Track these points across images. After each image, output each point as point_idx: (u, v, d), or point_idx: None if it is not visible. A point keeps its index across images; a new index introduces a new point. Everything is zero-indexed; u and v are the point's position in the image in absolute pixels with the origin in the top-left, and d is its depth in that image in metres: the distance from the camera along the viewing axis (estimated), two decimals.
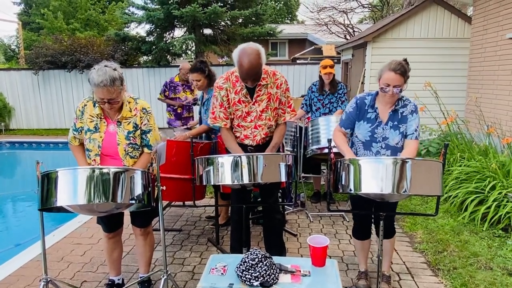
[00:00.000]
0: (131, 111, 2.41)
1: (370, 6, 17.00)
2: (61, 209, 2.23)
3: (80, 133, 2.43)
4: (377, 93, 2.51)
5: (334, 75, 4.40)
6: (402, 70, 2.35)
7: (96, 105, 2.36)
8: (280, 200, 3.93)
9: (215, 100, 2.73)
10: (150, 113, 2.47)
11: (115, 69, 2.24)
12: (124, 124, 2.41)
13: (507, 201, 3.69)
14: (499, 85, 5.63)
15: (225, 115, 2.72)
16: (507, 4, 5.44)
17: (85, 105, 2.40)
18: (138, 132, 2.45)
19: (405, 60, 2.46)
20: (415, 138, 2.47)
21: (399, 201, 4.48)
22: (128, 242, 3.60)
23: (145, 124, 2.45)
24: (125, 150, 2.42)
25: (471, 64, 6.49)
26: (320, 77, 4.40)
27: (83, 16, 16.59)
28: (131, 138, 2.42)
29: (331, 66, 4.32)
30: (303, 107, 4.58)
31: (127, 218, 2.69)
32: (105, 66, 2.22)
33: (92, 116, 2.38)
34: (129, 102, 2.42)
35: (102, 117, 2.39)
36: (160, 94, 5.86)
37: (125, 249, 3.40)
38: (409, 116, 2.47)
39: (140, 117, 2.43)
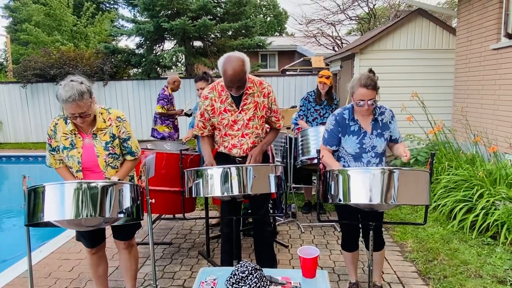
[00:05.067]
0: (105, 122, 2.40)
1: (357, 18, 17.29)
2: (48, 224, 2.20)
3: (58, 152, 2.38)
4: (352, 106, 2.56)
5: (331, 87, 4.47)
6: (373, 84, 2.42)
7: (68, 121, 2.32)
8: (271, 211, 3.92)
9: (198, 109, 2.79)
10: (125, 120, 2.47)
11: (81, 83, 2.21)
12: (101, 136, 2.39)
13: (495, 209, 3.73)
14: (484, 95, 5.74)
15: (204, 124, 2.79)
16: (489, 16, 5.59)
17: (56, 123, 2.35)
18: (117, 141, 2.43)
19: (371, 70, 2.54)
20: (401, 141, 2.65)
21: (389, 211, 4.51)
22: (116, 257, 3.54)
23: (123, 132, 2.45)
24: (105, 161, 2.40)
25: (457, 75, 6.62)
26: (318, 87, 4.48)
27: (67, 28, 16.55)
28: (110, 148, 2.41)
29: (327, 77, 4.41)
30: (303, 118, 4.58)
31: (109, 233, 2.65)
32: (71, 81, 2.20)
33: (66, 134, 2.34)
34: (101, 113, 2.40)
35: (76, 132, 2.36)
36: (162, 107, 5.75)
37: (113, 264, 3.35)
38: (391, 121, 2.59)
39: (117, 126, 2.42)
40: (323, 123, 4.46)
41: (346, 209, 2.54)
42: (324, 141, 2.64)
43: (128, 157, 2.51)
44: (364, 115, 2.54)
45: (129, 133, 2.48)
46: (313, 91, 4.55)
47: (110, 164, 2.42)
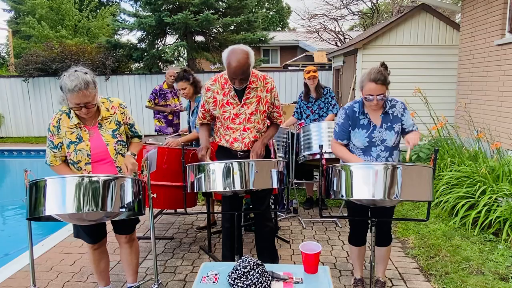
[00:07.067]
0: (108, 110, 2.42)
1: (360, 13, 17.19)
2: (49, 218, 2.19)
3: (60, 149, 2.36)
4: (363, 99, 2.53)
5: (318, 80, 4.43)
6: (382, 78, 2.36)
7: (72, 116, 2.31)
8: (272, 206, 3.92)
9: (201, 100, 2.82)
10: (126, 107, 2.53)
11: (86, 73, 2.21)
12: (106, 124, 2.40)
13: (497, 206, 3.72)
14: (487, 91, 5.71)
15: (203, 115, 2.83)
16: (494, 12, 5.54)
17: (59, 119, 2.32)
18: (122, 128, 2.47)
19: (383, 64, 2.48)
20: (417, 129, 2.57)
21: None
22: (118, 251, 3.54)
23: (129, 117, 2.52)
24: (115, 149, 2.42)
25: (460, 71, 6.58)
26: (305, 84, 4.44)
27: (71, 23, 16.52)
28: (118, 136, 2.44)
29: (314, 71, 4.36)
30: (294, 114, 4.60)
31: (110, 228, 2.65)
32: (75, 71, 2.19)
33: (71, 128, 2.33)
34: (103, 103, 2.41)
35: (82, 125, 2.35)
36: (149, 101, 5.84)
37: (115, 259, 3.36)
38: (402, 113, 2.52)
39: (121, 113, 2.46)
40: (315, 120, 4.43)
41: (356, 204, 2.51)
42: (336, 135, 2.61)
43: (136, 140, 2.61)
44: (374, 109, 2.50)
45: (132, 119, 2.56)
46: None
47: (119, 152, 2.45)
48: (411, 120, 2.55)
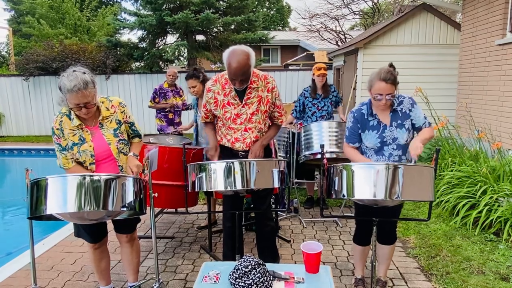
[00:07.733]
0: (108, 110, 2.42)
1: (361, 13, 17.18)
2: (51, 217, 2.20)
3: (69, 150, 2.35)
4: (370, 101, 2.51)
5: (326, 78, 4.45)
6: (392, 78, 2.35)
7: (73, 117, 2.31)
8: (273, 206, 3.92)
9: (203, 100, 2.84)
10: (126, 105, 2.53)
11: (84, 73, 2.20)
12: (107, 124, 2.40)
13: (498, 206, 3.72)
14: (488, 90, 5.71)
15: (206, 114, 2.86)
16: (495, 11, 5.54)
17: (61, 121, 2.32)
18: (123, 127, 2.47)
19: (391, 65, 2.47)
20: (429, 125, 2.51)
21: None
22: (119, 250, 3.54)
23: (129, 116, 2.51)
24: (117, 148, 2.42)
25: (461, 70, 6.57)
26: (313, 80, 4.43)
27: (71, 22, 16.51)
28: (119, 135, 2.44)
29: (325, 69, 4.37)
30: (293, 113, 4.59)
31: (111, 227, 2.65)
32: (73, 71, 2.18)
33: (73, 129, 2.32)
34: (102, 102, 2.41)
35: (83, 126, 2.35)
36: (150, 101, 5.85)
37: (116, 258, 3.36)
38: (412, 109, 2.50)
39: (121, 112, 2.46)
40: (322, 117, 4.43)
41: (362, 204, 2.50)
42: (346, 139, 2.60)
43: (136, 140, 2.60)
44: (382, 109, 2.48)
45: (132, 117, 2.57)
46: (309, 86, 4.53)
47: (122, 151, 2.45)
48: (422, 115, 2.50)
